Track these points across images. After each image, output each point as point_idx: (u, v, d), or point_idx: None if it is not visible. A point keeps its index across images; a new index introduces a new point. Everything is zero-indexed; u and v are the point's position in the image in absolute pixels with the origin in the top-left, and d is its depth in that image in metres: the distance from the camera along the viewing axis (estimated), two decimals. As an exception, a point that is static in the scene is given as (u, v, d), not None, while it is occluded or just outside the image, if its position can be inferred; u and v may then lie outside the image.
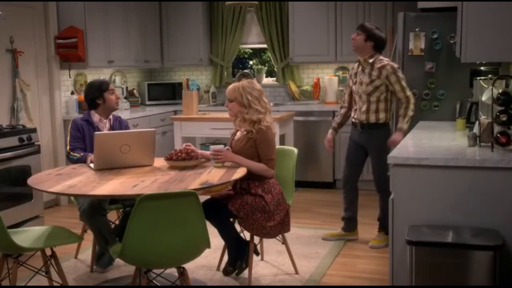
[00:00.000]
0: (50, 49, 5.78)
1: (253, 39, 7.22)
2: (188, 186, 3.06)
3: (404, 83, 4.23)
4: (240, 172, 3.43)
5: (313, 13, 6.49)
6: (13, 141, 4.42)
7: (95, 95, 4.07)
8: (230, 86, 3.71)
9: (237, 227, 3.72)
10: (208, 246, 2.94)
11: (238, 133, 3.76)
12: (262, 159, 3.62)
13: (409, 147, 3.28)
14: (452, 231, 2.83)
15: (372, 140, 4.37)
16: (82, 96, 6.08)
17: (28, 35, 5.56)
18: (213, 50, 7.24)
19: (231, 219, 3.69)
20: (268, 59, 7.64)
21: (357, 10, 6.32)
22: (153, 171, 3.54)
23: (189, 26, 7.06)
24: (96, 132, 3.60)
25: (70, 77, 6.04)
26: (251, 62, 7.76)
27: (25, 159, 4.51)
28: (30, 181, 3.31)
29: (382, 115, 4.30)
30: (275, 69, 7.11)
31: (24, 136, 4.52)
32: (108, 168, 3.58)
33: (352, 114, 4.50)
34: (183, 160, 3.60)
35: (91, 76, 6.41)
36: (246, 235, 3.74)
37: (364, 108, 4.32)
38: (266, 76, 7.45)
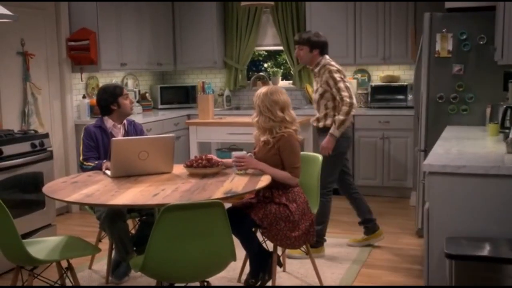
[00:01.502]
0: (61, 52, 5.71)
1: (269, 41, 7.12)
2: (211, 195, 2.95)
3: (341, 85, 4.17)
4: (265, 180, 3.32)
5: (331, 14, 6.38)
6: (25, 146, 4.33)
7: (109, 101, 3.97)
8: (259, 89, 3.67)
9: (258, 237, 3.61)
10: (234, 259, 2.84)
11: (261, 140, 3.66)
12: (286, 167, 3.51)
13: (443, 154, 3.16)
14: (492, 243, 2.70)
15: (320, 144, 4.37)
16: (94, 100, 6.02)
17: (39, 37, 5.48)
18: (227, 52, 7.14)
19: (253, 229, 3.59)
20: (284, 61, 7.54)
21: (377, 11, 6.21)
22: (173, 179, 3.44)
23: (203, 27, 6.97)
24: (114, 138, 3.50)
25: (81, 80, 5.96)
26: (265, 65, 7.65)
27: (37, 166, 4.42)
28: (45, 189, 3.22)
29: (328, 121, 4.25)
30: (291, 71, 7.01)
31: (37, 142, 4.43)
32: (125, 175, 3.48)
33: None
34: (204, 167, 3.50)
35: (103, 79, 6.33)
36: (267, 244, 3.63)
37: (315, 116, 4.38)
38: (282, 79, 7.34)
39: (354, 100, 4.17)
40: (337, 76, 4.19)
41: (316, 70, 4.30)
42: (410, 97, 6.18)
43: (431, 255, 2.91)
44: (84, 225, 5.36)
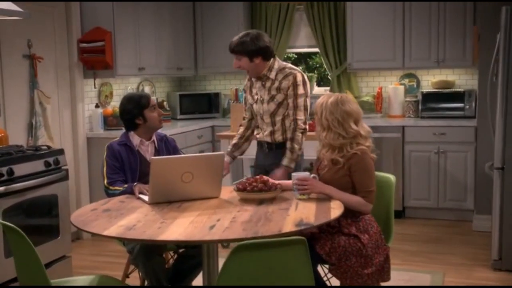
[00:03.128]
0: (72, 54, 5.39)
1: (302, 42, 6.82)
2: (281, 228, 2.62)
3: (301, 102, 3.78)
4: (337, 208, 2.98)
5: (375, 14, 6.09)
6: (38, 165, 4.01)
7: (133, 114, 3.63)
8: (320, 97, 3.30)
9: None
10: (314, 307, 2.49)
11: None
12: (358, 190, 3.17)
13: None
14: None
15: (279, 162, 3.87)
16: (107, 110, 5.73)
17: (48, 38, 5.18)
18: (255, 55, 6.81)
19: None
20: (317, 65, 7.24)
21: (430, 8, 5.90)
22: (224, 205, 3.10)
23: (227, 28, 6.65)
24: (153, 157, 3.17)
25: (95, 87, 5.63)
26: (295, 69, 7.31)
27: (51, 187, 4.10)
28: (75, 220, 2.88)
29: (289, 134, 3.86)
30: (329, 77, 6.69)
31: (51, 160, 4.10)
32: (165, 201, 3.15)
33: (256, 132, 4.08)
34: (260, 192, 3.17)
35: (117, 86, 6.02)
36: (330, 282, 3.31)
37: (268, 131, 3.92)
38: (316, 85, 7.02)
39: (307, 126, 3.87)
40: (302, 88, 3.80)
41: (272, 75, 3.84)
42: (467, 105, 5.87)
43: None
44: (99, 254, 5.04)
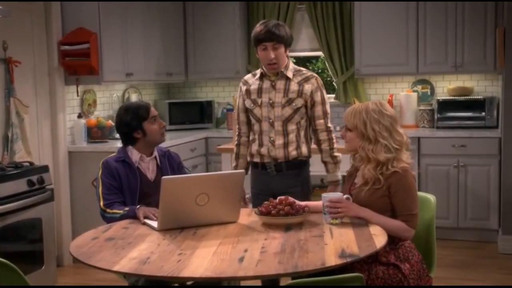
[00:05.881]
0: (52, 58, 5.12)
1: (303, 45, 6.64)
2: (324, 260, 2.40)
3: (328, 108, 3.66)
4: (380, 234, 2.78)
5: (387, 12, 5.95)
6: (20, 185, 3.75)
7: (131, 126, 3.41)
8: (349, 109, 3.09)
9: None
10: None
11: (360, 175, 3.11)
12: (399, 214, 2.98)
13: None
14: None
15: (295, 187, 3.61)
16: (91, 120, 5.46)
17: (26, 39, 4.91)
18: (252, 60, 6.60)
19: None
20: (318, 70, 7.06)
21: (447, 8, 5.76)
22: (246, 232, 2.88)
23: (222, 29, 6.46)
24: (165, 177, 2.92)
25: (77, 95, 5.36)
26: (293, 75, 7.14)
27: (35, 210, 3.84)
28: (76, 251, 2.62)
29: (304, 149, 3.63)
30: (333, 83, 6.50)
31: (34, 178, 3.85)
32: (177, 227, 2.92)
33: (254, 149, 3.70)
34: (286, 216, 2.95)
35: (101, 93, 5.77)
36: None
37: (279, 142, 3.61)
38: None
39: None
40: (325, 95, 3.65)
41: (289, 73, 3.57)
42: (489, 114, 5.73)
43: None
44: (85, 284, 4.75)
